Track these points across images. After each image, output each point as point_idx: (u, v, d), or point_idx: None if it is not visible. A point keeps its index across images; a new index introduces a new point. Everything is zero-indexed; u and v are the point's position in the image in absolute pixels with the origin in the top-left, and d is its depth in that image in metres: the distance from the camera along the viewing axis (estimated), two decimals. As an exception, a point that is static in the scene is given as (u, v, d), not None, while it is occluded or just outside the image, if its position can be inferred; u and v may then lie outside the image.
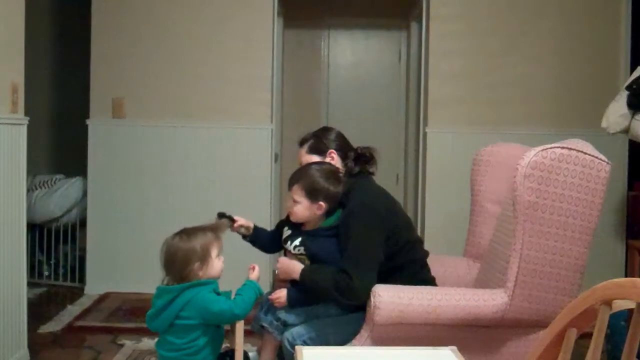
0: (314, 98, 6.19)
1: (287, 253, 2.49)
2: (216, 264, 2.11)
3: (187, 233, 2.10)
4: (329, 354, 1.89)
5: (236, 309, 2.05)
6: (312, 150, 2.56)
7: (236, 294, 2.11)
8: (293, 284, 2.41)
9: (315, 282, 2.31)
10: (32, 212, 4.55)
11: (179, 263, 2.05)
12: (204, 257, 2.07)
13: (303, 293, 2.36)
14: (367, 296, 2.24)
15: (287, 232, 2.50)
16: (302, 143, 2.61)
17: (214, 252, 2.09)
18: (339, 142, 2.58)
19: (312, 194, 2.36)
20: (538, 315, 2.25)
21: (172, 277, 2.08)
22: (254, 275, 2.08)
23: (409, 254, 2.46)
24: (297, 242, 2.43)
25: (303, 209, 2.38)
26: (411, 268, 2.46)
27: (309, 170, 2.41)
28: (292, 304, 2.37)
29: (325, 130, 2.64)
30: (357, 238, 2.29)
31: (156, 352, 2.15)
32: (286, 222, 2.54)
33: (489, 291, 2.29)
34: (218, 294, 2.11)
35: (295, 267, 2.37)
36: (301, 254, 2.41)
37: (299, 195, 2.38)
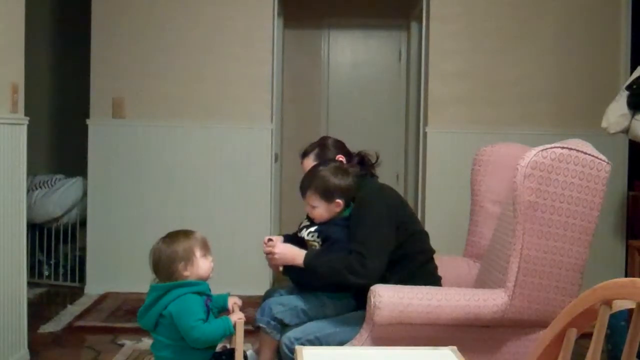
0: (314, 98, 6.19)
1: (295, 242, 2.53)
2: (202, 264, 2.12)
3: (170, 237, 2.14)
4: (329, 354, 1.89)
5: (198, 333, 2.00)
6: (320, 158, 2.60)
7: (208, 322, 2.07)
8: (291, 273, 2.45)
9: (323, 264, 2.32)
10: (32, 212, 4.54)
11: (164, 265, 2.09)
12: (188, 258, 2.09)
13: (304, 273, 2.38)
14: (378, 278, 2.26)
15: (305, 222, 2.54)
16: (305, 154, 2.65)
17: (198, 253, 2.11)
18: (341, 147, 2.66)
19: (327, 195, 2.40)
20: (538, 315, 2.25)
21: (161, 280, 2.11)
22: (233, 317, 2.08)
23: (417, 244, 2.49)
24: (312, 229, 2.47)
25: (323, 211, 2.43)
26: (420, 258, 2.49)
27: (317, 173, 2.44)
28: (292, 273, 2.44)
29: (326, 138, 2.72)
30: (369, 223, 2.33)
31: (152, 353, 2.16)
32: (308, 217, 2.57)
33: (489, 291, 2.29)
34: (209, 296, 2.12)
35: (296, 253, 2.39)
36: (314, 240, 2.45)
37: (315, 200, 2.42)
